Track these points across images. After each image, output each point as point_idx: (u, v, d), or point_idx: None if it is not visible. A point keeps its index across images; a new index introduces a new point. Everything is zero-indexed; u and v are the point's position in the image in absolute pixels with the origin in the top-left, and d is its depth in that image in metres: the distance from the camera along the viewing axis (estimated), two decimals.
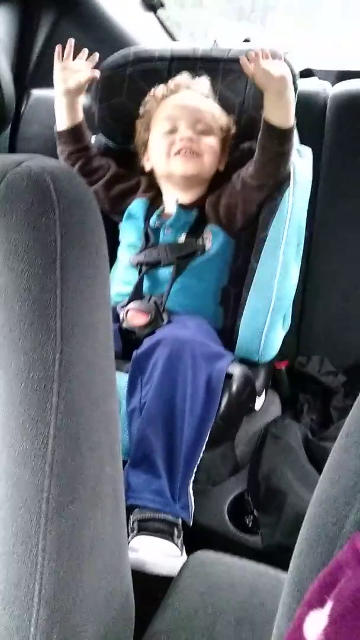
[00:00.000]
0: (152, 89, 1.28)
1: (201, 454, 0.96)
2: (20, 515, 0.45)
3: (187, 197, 1.24)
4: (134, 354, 1.02)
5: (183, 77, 1.28)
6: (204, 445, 0.96)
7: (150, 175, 1.30)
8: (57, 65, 1.20)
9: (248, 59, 1.11)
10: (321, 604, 0.34)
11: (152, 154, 1.26)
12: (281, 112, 1.11)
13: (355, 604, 0.32)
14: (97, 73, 1.21)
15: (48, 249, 0.47)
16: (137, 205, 1.27)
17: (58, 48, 1.20)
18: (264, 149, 1.13)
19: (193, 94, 1.25)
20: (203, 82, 1.28)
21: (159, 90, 1.27)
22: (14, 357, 0.46)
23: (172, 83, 1.27)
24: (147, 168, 1.29)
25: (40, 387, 0.45)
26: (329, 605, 0.33)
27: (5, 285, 0.46)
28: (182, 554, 0.90)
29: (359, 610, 0.32)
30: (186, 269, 1.18)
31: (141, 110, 1.29)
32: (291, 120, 1.12)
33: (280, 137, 1.11)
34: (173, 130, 1.21)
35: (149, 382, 0.98)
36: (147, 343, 1.02)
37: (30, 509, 0.44)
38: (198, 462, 0.95)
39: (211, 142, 1.22)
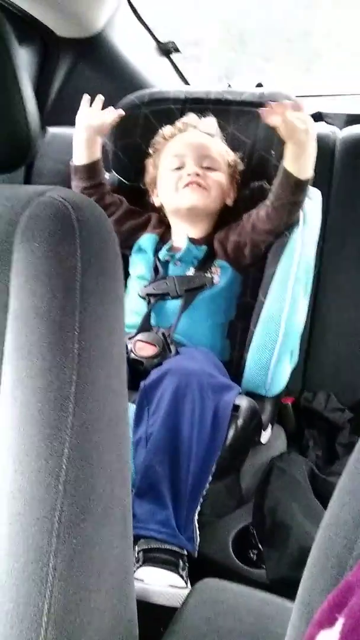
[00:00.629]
0: (160, 129, 1.33)
1: (207, 486, 0.96)
2: (33, 533, 0.45)
3: (195, 232, 1.28)
4: (142, 384, 1.02)
5: (190, 117, 1.33)
6: (210, 476, 0.96)
7: (160, 211, 1.34)
8: (85, 106, 1.26)
9: (271, 108, 1.11)
10: (331, 623, 0.34)
11: (160, 190, 1.30)
12: (301, 163, 1.13)
13: None
14: (122, 112, 1.26)
15: (69, 274, 0.49)
16: (147, 240, 1.30)
17: (87, 96, 1.27)
18: (279, 196, 1.15)
19: (199, 132, 1.30)
20: (210, 122, 1.33)
21: (167, 129, 1.32)
22: (31, 378, 0.47)
23: (179, 123, 1.32)
24: (157, 204, 1.33)
25: (56, 407, 0.47)
26: (339, 622, 0.33)
27: (27, 308, 0.48)
28: (187, 586, 0.89)
29: None
30: (194, 302, 1.20)
31: (151, 150, 1.34)
32: (310, 172, 1.14)
33: (297, 186, 1.13)
34: (180, 167, 1.26)
35: (155, 412, 0.98)
36: (154, 374, 1.03)
37: (42, 527, 0.45)
38: (204, 493, 0.95)
39: (217, 177, 1.26)
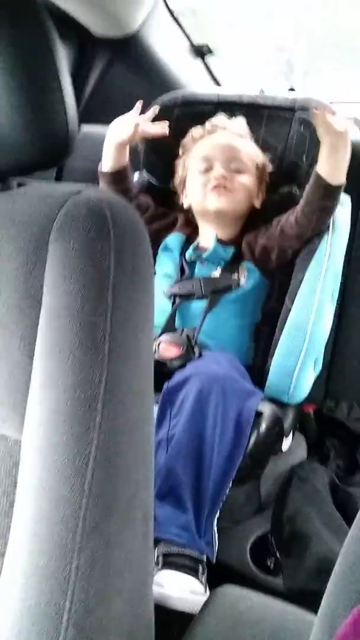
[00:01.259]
0: (190, 131, 1.33)
1: (227, 491, 0.95)
2: (57, 531, 0.45)
3: (223, 233, 1.27)
4: (165, 386, 1.02)
5: (219, 119, 1.32)
6: (231, 482, 0.95)
7: (189, 212, 1.34)
8: (134, 113, 1.26)
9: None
10: (357, 636, 0.34)
11: (189, 191, 1.30)
12: (332, 167, 1.12)
13: None
14: (166, 130, 1.25)
15: (102, 273, 0.49)
16: (174, 239, 1.30)
17: (139, 103, 1.27)
18: (309, 201, 1.15)
19: (228, 134, 1.30)
20: (239, 123, 1.32)
21: (196, 131, 1.32)
22: (62, 375, 0.47)
23: (208, 124, 1.32)
24: (186, 205, 1.33)
25: (85, 406, 0.47)
26: None
27: (59, 306, 0.48)
28: (205, 592, 0.89)
29: None
30: (219, 303, 1.20)
31: (180, 151, 1.34)
32: (341, 178, 1.13)
33: (327, 190, 1.13)
34: (208, 169, 1.26)
35: (178, 415, 0.98)
36: (178, 376, 1.03)
37: (67, 526, 0.45)
38: (224, 499, 0.95)
39: (245, 180, 1.26)
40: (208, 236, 1.27)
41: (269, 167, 1.31)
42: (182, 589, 0.87)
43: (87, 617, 0.45)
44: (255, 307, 1.25)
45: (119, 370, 0.49)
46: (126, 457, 0.50)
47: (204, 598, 0.84)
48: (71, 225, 0.50)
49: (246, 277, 1.22)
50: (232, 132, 1.30)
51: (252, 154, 1.29)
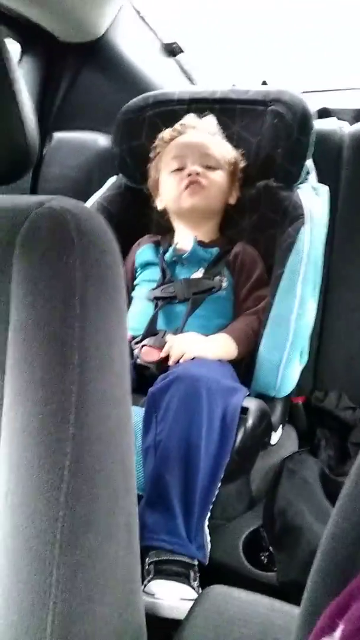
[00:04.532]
0: (160, 133, 1.33)
1: (217, 491, 0.95)
2: (35, 545, 0.45)
3: (200, 233, 1.28)
4: (149, 391, 1.02)
5: (189, 118, 1.33)
6: (220, 482, 0.95)
7: (164, 215, 1.35)
8: None
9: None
10: (332, 629, 0.34)
11: (163, 192, 1.31)
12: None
13: None
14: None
15: (68, 285, 0.49)
16: (148, 251, 1.31)
17: None
18: None
19: (199, 132, 1.30)
20: (209, 121, 1.33)
21: (167, 133, 1.32)
22: (32, 389, 0.47)
23: (178, 125, 1.32)
24: (160, 207, 1.34)
25: (57, 419, 0.47)
26: (340, 628, 0.33)
27: (27, 320, 0.48)
28: (198, 595, 0.89)
29: None
30: (201, 305, 1.20)
31: (151, 154, 1.34)
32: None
33: None
34: (181, 168, 1.26)
35: (164, 420, 0.98)
36: (161, 380, 1.02)
37: (45, 540, 0.45)
38: (214, 499, 0.95)
39: (217, 177, 1.27)
40: (185, 237, 1.27)
41: (242, 163, 1.31)
42: (172, 597, 0.87)
43: (71, 628, 0.45)
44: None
45: (92, 380, 0.49)
46: (104, 466, 0.50)
47: None
48: (35, 238, 0.50)
49: (226, 279, 1.23)
50: (203, 130, 1.31)
51: (224, 150, 1.30)
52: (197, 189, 1.24)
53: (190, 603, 0.85)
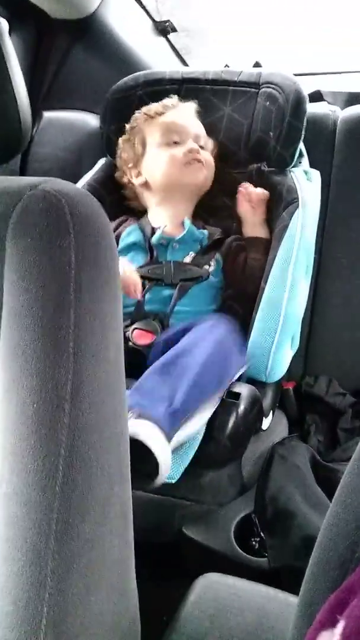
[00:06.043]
0: (143, 107, 1.31)
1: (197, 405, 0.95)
2: (30, 535, 0.45)
3: (177, 211, 1.27)
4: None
5: (173, 99, 1.32)
6: (206, 397, 0.96)
7: (132, 190, 1.33)
8: None
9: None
10: (333, 623, 0.34)
11: (152, 166, 1.28)
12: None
13: None
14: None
15: (63, 270, 0.47)
16: (133, 232, 1.28)
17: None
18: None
19: (187, 112, 1.30)
20: (191, 104, 1.32)
21: (153, 107, 1.31)
22: (26, 377, 0.46)
23: (167, 101, 1.31)
24: (138, 183, 1.31)
25: (52, 407, 0.46)
26: (340, 624, 0.33)
27: (20, 306, 0.47)
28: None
29: None
30: (189, 291, 1.19)
31: (128, 126, 1.32)
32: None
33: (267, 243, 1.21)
34: (178, 143, 1.26)
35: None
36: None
37: (40, 530, 0.44)
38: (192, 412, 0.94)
39: (209, 158, 1.29)
40: (167, 217, 1.26)
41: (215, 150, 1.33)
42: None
43: (66, 618, 0.45)
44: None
45: (87, 367, 0.48)
46: (99, 455, 0.49)
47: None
48: (28, 221, 0.48)
49: (215, 268, 1.22)
50: (188, 110, 1.30)
51: (206, 136, 1.31)
52: (201, 165, 1.25)
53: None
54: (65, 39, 1.50)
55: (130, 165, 1.32)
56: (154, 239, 1.22)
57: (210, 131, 1.33)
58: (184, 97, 1.34)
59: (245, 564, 0.93)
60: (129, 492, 0.54)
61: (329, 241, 1.43)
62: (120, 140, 1.33)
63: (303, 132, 1.25)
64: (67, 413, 0.46)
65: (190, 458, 0.93)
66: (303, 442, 1.24)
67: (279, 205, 1.21)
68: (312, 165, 1.33)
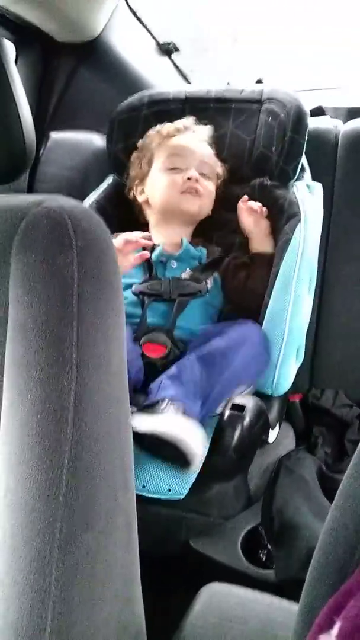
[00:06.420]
0: (158, 125, 1.33)
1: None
2: (34, 545, 0.45)
3: (174, 233, 1.29)
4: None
5: (189, 121, 1.33)
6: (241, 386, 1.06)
7: (138, 208, 1.35)
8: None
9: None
10: (330, 626, 0.34)
11: (153, 187, 1.30)
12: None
13: None
14: (147, 255, 1.19)
15: (66, 284, 0.49)
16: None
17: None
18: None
19: (199, 137, 1.31)
20: (206, 129, 1.34)
21: (167, 127, 1.32)
22: (30, 389, 0.47)
23: (179, 123, 1.32)
24: (140, 200, 1.33)
25: (55, 418, 0.47)
26: (337, 625, 0.34)
27: (24, 320, 0.48)
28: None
29: None
30: (187, 306, 1.19)
31: (140, 143, 1.34)
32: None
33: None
34: (180, 169, 1.27)
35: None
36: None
37: (44, 539, 0.45)
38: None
39: (211, 187, 1.30)
40: (168, 236, 1.28)
41: (223, 177, 1.34)
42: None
43: (71, 628, 0.45)
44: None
45: (90, 379, 0.49)
46: (103, 465, 0.50)
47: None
48: (32, 237, 0.50)
49: (212, 285, 1.24)
50: (201, 136, 1.31)
51: (215, 162, 1.32)
52: (197, 194, 1.26)
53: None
54: (70, 61, 1.54)
55: (136, 182, 1.34)
56: (153, 256, 1.24)
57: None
58: (188, 115, 1.36)
59: (252, 575, 0.93)
60: (133, 503, 0.55)
61: (333, 254, 1.44)
62: (133, 155, 1.36)
63: (304, 147, 1.27)
64: (71, 424, 0.47)
65: (197, 472, 0.94)
66: (310, 454, 1.24)
67: (281, 218, 1.23)
68: (314, 179, 1.34)
